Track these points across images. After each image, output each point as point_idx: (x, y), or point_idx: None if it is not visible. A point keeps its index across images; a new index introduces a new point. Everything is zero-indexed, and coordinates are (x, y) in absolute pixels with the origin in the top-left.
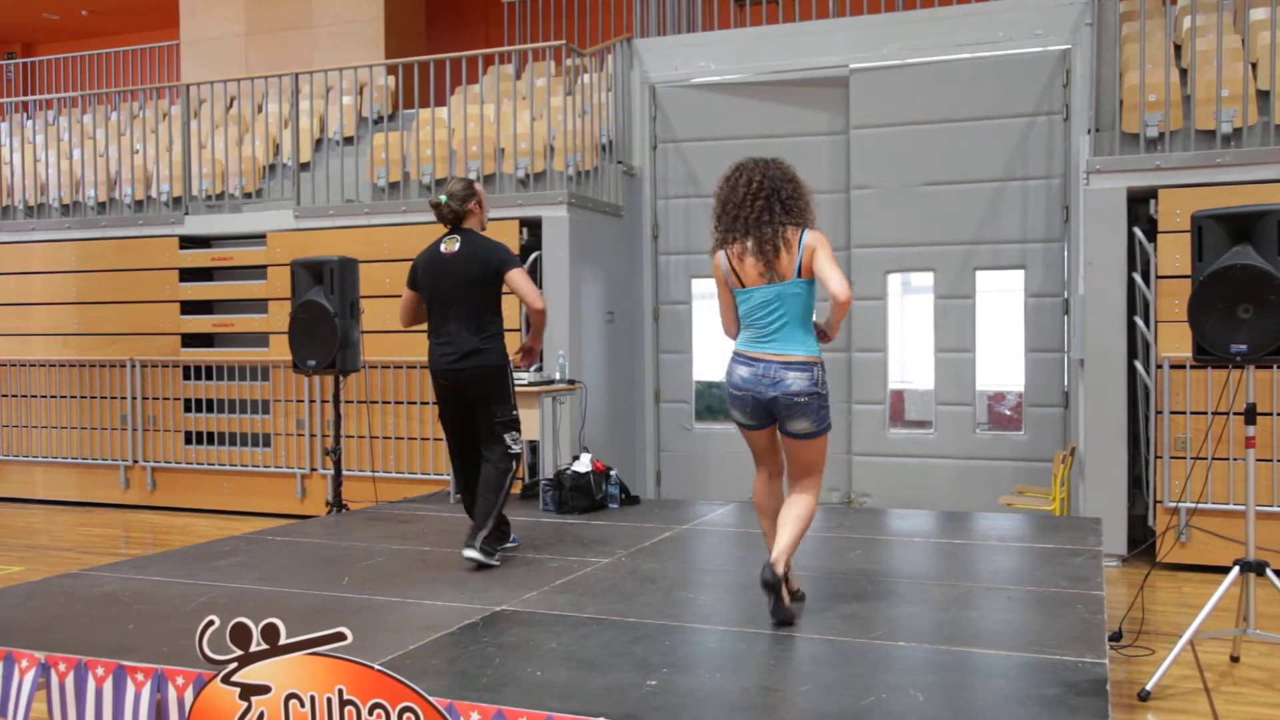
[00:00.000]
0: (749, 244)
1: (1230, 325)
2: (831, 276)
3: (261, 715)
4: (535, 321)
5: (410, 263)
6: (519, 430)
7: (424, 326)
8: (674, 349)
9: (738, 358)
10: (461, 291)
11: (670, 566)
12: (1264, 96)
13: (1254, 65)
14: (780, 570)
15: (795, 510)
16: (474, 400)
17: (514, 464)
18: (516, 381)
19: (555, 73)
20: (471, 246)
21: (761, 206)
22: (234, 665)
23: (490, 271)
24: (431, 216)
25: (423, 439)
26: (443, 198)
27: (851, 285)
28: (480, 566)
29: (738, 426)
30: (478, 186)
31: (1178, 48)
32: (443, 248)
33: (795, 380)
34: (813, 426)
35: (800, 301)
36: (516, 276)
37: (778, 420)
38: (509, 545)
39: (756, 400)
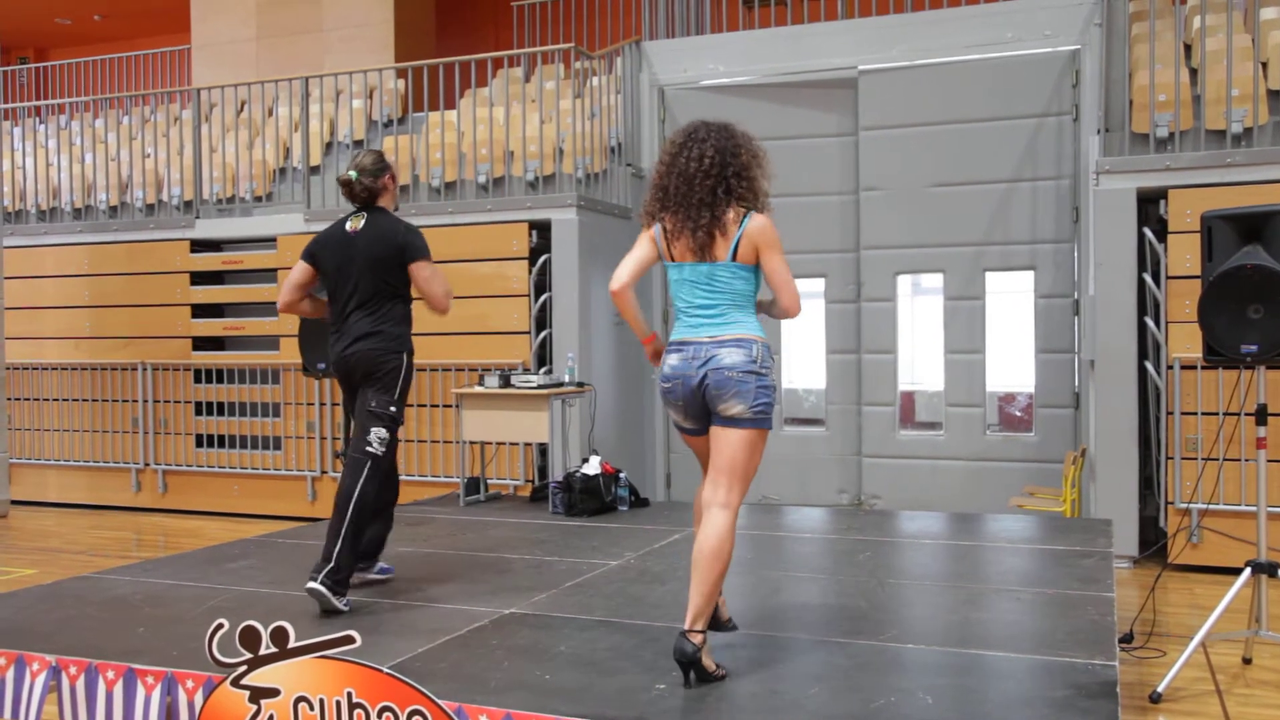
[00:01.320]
0: (685, 224)
1: (1241, 325)
2: (783, 289)
3: (271, 718)
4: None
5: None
6: (390, 430)
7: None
8: None
9: (669, 348)
10: (364, 274)
11: (680, 569)
12: (1274, 96)
13: (1264, 65)
14: (699, 640)
15: (710, 544)
16: (359, 389)
17: (369, 467)
18: (525, 384)
19: (564, 75)
20: (378, 228)
21: (709, 188)
22: (243, 668)
23: (394, 254)
24: (441, 220)
25: (432, 441)
26: (353, 173)
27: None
28: (324, 611)
29: (678, 431)
30: (390, 159)
31: (1187, 47)
32: (348, 226)
33: (728, 354)
34: (744, 410)
35: (736, 284)
36: (419, 269)
37: (711, 411)
38: (374, 575)
39: (686, 387)
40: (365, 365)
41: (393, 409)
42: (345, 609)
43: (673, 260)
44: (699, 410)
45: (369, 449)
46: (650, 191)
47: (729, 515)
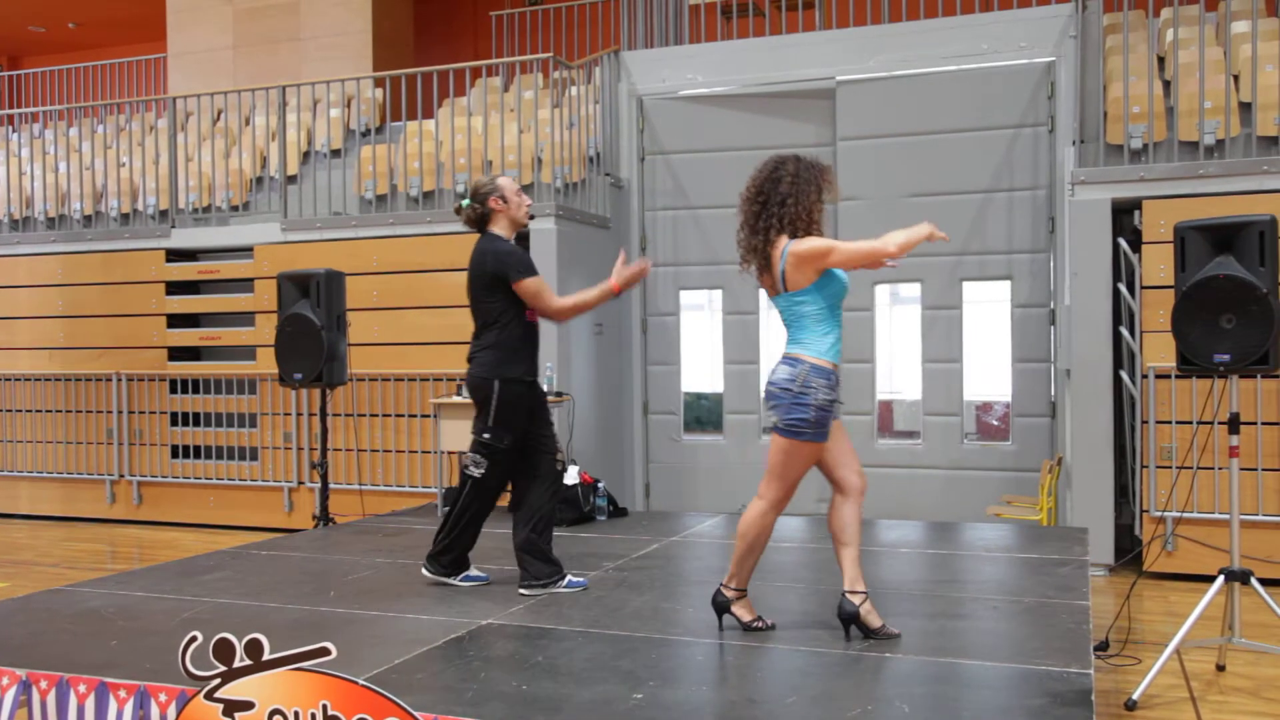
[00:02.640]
0: (750, 258)
1: (1213, 335)
2: (857, 251)
3: None
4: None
5: (398, 274)
6: (486, 455)
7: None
8: (662, 360)
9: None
10: (471, 298)
11: (658, 579)
12: (1246, 108)
13: (1236, 78)
14: (730, 593)
15: (740, 524)
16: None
17: (466, 487)
18: None
19: (543, 85)
20: (479, 253)
21: (755, 213)
22: (217, 681)
23: (487, 277)
24: (419, 229)
25: (410, 452)
26: (464, 201)
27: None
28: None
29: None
30: (501, 181)
31: (1161, 60)
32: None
33: (779, 371)
34: (780, 421)
35: (801, 309)
36: (522, 289)
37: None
38: (464, 580)
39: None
40: (470, 391)
41: (486, 436)
42: (448, 581)
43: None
44: None
45: (465, 471)
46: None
47: (766, 501)
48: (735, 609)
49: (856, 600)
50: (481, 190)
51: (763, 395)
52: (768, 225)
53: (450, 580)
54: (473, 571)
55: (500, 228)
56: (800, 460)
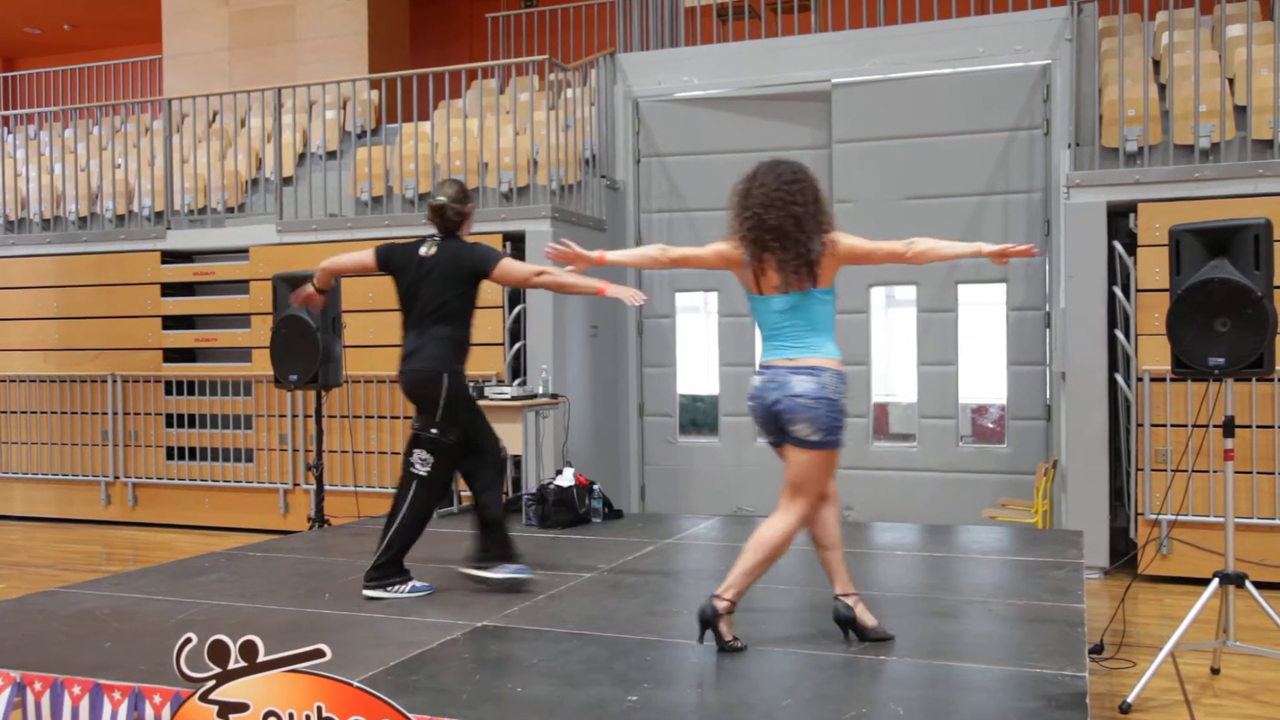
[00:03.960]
0: (788, 257)
1: (1208, 338)
2: (879, 248)
3: None
4: (550, 287)
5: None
6: (432, 451)
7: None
8: (658, 363)
9: (758, 371)
10: (431, 293)
11: (653, 581)
12: (1241, 112)
13: (1231, 81)
14: (722, 605)
15: (763, 536)
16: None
17: (413, 486)
18: (499, 396)
19: (539, 87)
20: (455, 250)
21: (813, 223)
22: (212, 683)
23: (465, 272)
24: (415, 231)
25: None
26: (442, 198)
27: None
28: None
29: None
30: (471, 193)
31: (1156, 63)
32: (422, 250)
33: (800, 382)
34: (811, 433)
35: (817, 309)
36: (505, 272)
37: (784, 430)
38: (406, 590)
39: (764, 408)
40: (413, 386)
41: (433, 432)
42: (384, 595)
43: (759, 293)
44: (774, 427)
45: (411, 469)
46: (740, 213)
47: (795, 517)
48: (722, 624)
49: (851, 602)
50: (465, 198)
51: (773, 406)
52: (814, 228)
53: (398, 593)
54: (418, 582)
55: (464, 234)
56: (833, 468)
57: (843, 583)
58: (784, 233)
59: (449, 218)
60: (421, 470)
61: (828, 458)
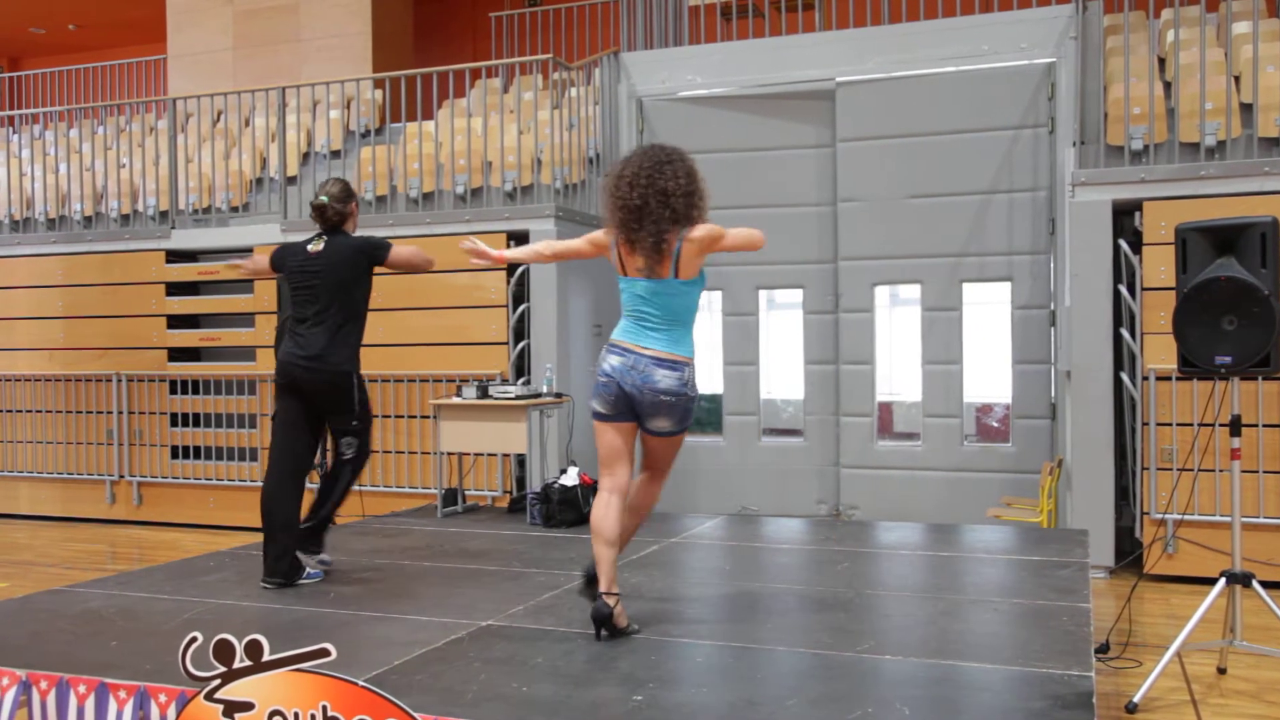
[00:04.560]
0: (644, 239)
1: (1215, 337)
2: (745, 233)
3: None
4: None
5: (397, 274)
6: (359, 436)
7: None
8: None
9: (611, 347)
10: (334, 291)
11: (657, 580)
12: (1247, 109)
13: (1237, 78)
14: (614, 600)
15: (637, 500)
16: (320, 406)
17: (348, 470)
18: (503, 395)
19: (542, 86)
20: (343, 246)
21: (681, 204)
22: (217, 682)
23: (363, 265)
24: (419, 230)
25: (409, 453)
26: (324, 198)
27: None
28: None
29: (594, 419)
30: (354, 188)
31: (1161, 61)
32: (310, 247)
33: (664, 378)
34: (674, 425)
35: (679, 300)
36: (396, 255)
37: (639, 418)
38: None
39: (620, 392)
40: (322, 380)
41: (356, 424)
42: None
43: (625, 275)
44: (625, 408)
45: (344, 456)
46: (611, 201)
47: (660, 484)
48: (618, 618)
49: (612, 602)
50: (346, 195)
51: (631, 392)
52: (679, 212)
53: (305, 576)
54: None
55: (350, 230)
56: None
57: (607, 581)
58: (645, 213)
59: (328, 217)
60: (350, 453)
61: (683, 437)
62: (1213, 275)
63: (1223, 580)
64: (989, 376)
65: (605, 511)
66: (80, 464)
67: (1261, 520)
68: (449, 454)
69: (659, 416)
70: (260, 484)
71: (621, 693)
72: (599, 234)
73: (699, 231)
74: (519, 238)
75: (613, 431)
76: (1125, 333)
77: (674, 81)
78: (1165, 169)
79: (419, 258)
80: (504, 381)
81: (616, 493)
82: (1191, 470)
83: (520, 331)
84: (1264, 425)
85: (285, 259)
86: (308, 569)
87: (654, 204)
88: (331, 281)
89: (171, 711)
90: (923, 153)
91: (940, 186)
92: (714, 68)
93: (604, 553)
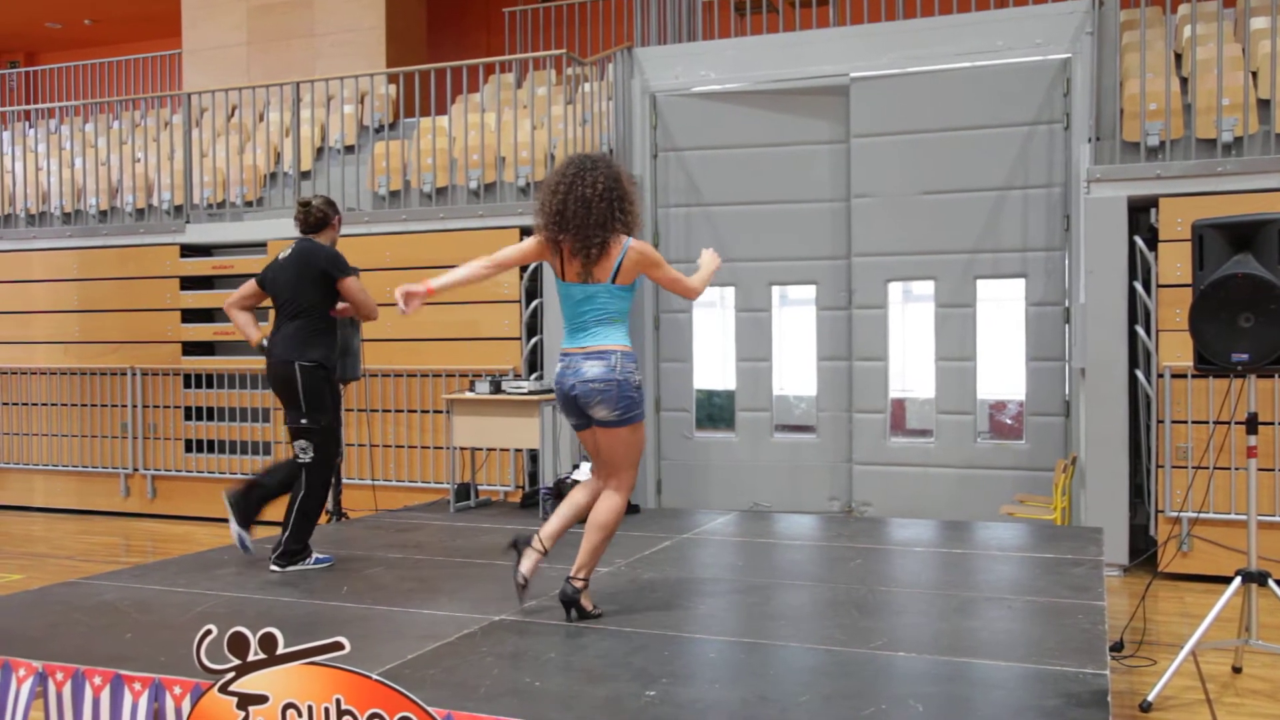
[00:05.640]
0: (578, 244)
1: (1231, 334)
2: (678, 281)
3: None
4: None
5: (410, 270)
6: (309, 440)
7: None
8: (674, 358)
9: (560, 358)
10: (286, 292)
11: (670, 575)
12: (1265, 105)
13: (1254, 74)
14: (580, 584)
15: (598, 518)
16: (281, 402)
17: (303, 475)
18: (516, 390)
19: (556, 81)
20: (304, 252)
21: (603, 209)
22: (231, 675)
23: (316, 274)
24: (432, 225)
25: (423, 447)
26: (313, 200)
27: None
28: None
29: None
30: (339, 209)
31: (1178, 56)
32: (281, 255)
33: (591, 367)
34: (612, 414)
35: (613, 304)
36: (350, 281)
37: (587, 417)
38: (310, 565)
39: (565, 395)
40: (279, 381)
41: (303, 421)
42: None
43: (563, 279)
44: (576, 411)
45: (298, 459)
46: (541, 206)
47: (621, 494)
48: (584, 600)
49: (579, 585)
50: (329, 204)
51: (570, 392)
52: (616, 223)
53: (314, 561)
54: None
55: (324, 239)
56: (642, 440)
57: (588, 566)
58: (569, 219)
59: (310, 215)
60: (306, 458)
61: (632, 433)
62: (1229, 272)
63: (1238, 579)
64: (1003, 373)
65: (580, 487)
66: (95, 457)
67: (1277, 519)
68: (462, 449)
69: (594, 406)
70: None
71: (635, 688)
72: (533, 240)
73: (646, 249)
74: (531, 233)
75: (585, 436)
76: (1140, 330)
77: (688, 77)
78: (1181, 165)
79: (365, 305)
80: (516, 377)
81: (599, 480)
82: (1207, 468)
83: (533, 327)
84: None
85: (264, 274)
86: (315, 554)
87: (573, 209)
88: (290, 278)
89: (186, 704)
90: (937, 148)
91: (954, 182)
92: (728, 63)
93: (557, 519)
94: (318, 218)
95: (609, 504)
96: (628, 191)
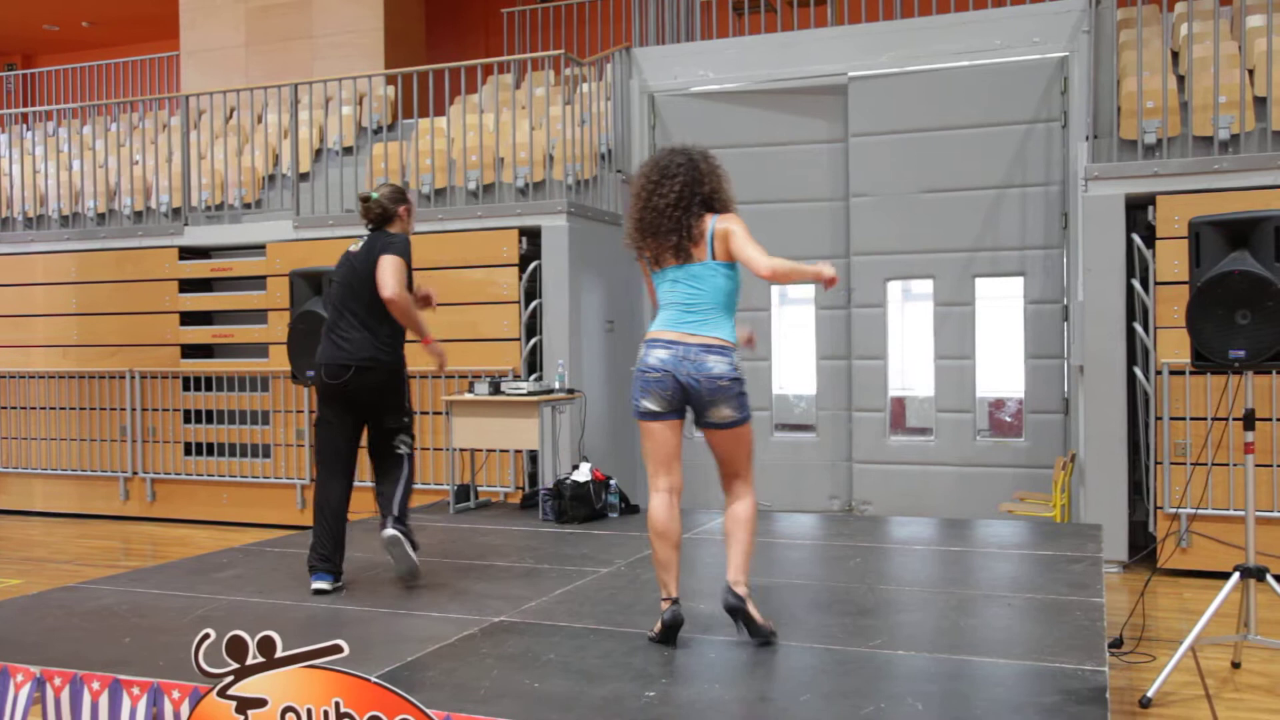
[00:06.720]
0: (666, 230)
1: (1228, 331)
2: (750, 256)
3: None
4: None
5: (409, 271)
6: (409, 435)
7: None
8: None
9: (653, 342)
10: (359, 289)
11: None
12: (1261, 103)
13: (1251, 72)
14: (742, 590)
15: (741, 517)
16: (365, 404)
17: (404, 463)
18: (515, 391)
19: (554, 82)
20: (369, 245)
21: (677, 219)
22: (230, 678)
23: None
24: (431, 226)
25: (422, 449)
26: (373, 194)
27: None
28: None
29: (641, 421)
30: (411, 195)
31: (1175, 54)
32: (351, 247)
33: (716, 363)
34: (738, 413)
35: (727, 282)
36: (383, 262)
37: (696, 412)
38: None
39: (677, 382)
40: (373, 385)
41: (406, 420)
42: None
43: (658, 268)
44: (679, 402)
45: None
46: (635, 217)
47: (753, 494)
48: (750, 608)
49: (742, 592)
50: (396, 196)
51: (693, 386)
52: (703, 205)
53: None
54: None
55: (395, 229)
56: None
57: (744, 570)
58: (646, 228)
59: (370, 211)
60: (406, 450)
61: (749, 430)
62: (1226, 269)
63: (1236, 574)
64: (1002, 371)
65: (670, 513)
66: (94, 461)
67: (1275, 514)
68: (461, 450)
69: (720, 404)
70: (268, 480)
71: (634, 689)
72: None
73: (730, 219)
74: (530, 233)
75: (665, 429)
76: (1138, 327)
77: (686, 77)
78: (1178, 163)
79: (387, 281)
80: (516, 378)
81: (675, 492)
82: (1205, 464)
83: (532, 328)
84: (1278, 419)
85: (340, 265)
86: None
87: (650, 219)
88: (364, 276)
89: (185, 708)
90: (935, 147)
91: (953, 181)
92: (726, 63)
93: (671, 556)
94: (377, 213)
95: (746, 503)
96: (716, 177)
